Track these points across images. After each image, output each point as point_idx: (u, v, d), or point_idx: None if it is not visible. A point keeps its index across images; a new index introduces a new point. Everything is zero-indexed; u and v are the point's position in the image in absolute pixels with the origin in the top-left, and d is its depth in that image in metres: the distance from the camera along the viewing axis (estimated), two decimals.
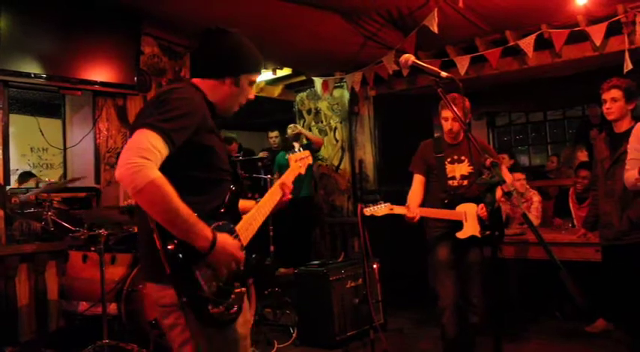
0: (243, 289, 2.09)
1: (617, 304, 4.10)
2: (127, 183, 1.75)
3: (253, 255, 2.21)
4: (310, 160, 2.86)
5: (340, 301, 4.86)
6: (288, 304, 5.60)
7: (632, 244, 3.77)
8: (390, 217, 3.86)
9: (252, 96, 2.27)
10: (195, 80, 2.17)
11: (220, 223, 2.02)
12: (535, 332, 5.04)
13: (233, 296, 2.02)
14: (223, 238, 1.92)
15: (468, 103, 3.93)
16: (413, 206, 3.88)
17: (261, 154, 7.32)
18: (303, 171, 2.77)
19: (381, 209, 3.80)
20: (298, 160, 2.77)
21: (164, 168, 1.83)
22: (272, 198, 2.42)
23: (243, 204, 2.33)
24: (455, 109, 2.58)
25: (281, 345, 4.90)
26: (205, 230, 1.86)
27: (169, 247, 1.84)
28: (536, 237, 2.13)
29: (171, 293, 1.87)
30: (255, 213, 2.28)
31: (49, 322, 4.64)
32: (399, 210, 3.81)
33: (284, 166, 6.70)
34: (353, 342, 4.86)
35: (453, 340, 3.89)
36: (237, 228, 2.12)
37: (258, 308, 5.08)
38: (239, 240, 2.08)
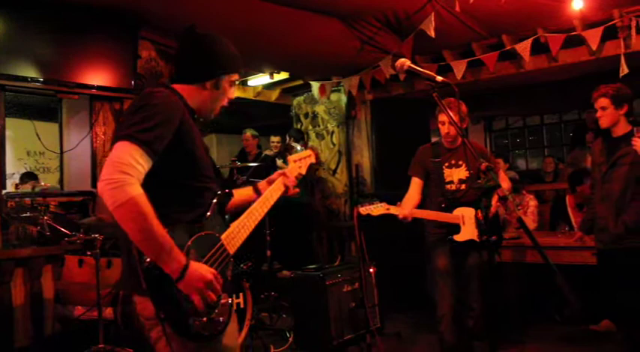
0: (229, 300, 2.04)
1: (614, 307, 4.10)
2: (107, 198, 1.75)
3: (242, 265, 2.16)
4: (313, 159, 2.73)
5: (337, 305, 4.84)
6: (285, 308, 5.59)
7: (628, 248, 3.77)
8: (387, 220, 3.86)
9: (232, 96, 2.23)
10: (175, 85, 2.13)
11: (203, 234, 1.97)
12: (533, 336, 5.04)
13: (218, 309, 1.96)
14: (195, 268, 1.85)
15: (464, 107, 3.95)
16: (405, 206, 3.90)
17: (267, 152, 7.33)
18: (303, 172, 2.65)
19: (377, 209, 3.82)
20: (297, 160, 2.65)
21: (145, 180, 1.82)
22: (266, 202, 2.34)
23: (240, 194, 2.30)
24: (450, 113, 2.58)
25: (277, 350, 4.88)
26: (178, 256, 1.81)
27: (147, 261, 1.80)
28: (532, 241, 2.13)
29: (152, 306, 1.83)
30: (246, 219, 2.21)
31: (44, 327, 4.62)
32: (395, 210, 3.83)
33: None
34: (350, 346, 4.84)
35: (450, 347, 3.88)
36: (224, 236, 2.07)
37: (254, 313, 5.07)
38: (224, 250, 2.03)
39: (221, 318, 1.98)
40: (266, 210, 2.33)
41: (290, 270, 5.54)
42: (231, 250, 2.08)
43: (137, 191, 1.76)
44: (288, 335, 5.12)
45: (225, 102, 2.22)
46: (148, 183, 1.82)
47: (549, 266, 2.09)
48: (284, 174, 2.46)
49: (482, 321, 3.87)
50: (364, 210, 3.83)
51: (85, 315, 4.14)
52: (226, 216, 2.44)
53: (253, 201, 2.33)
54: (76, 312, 4.23)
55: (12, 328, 4.42)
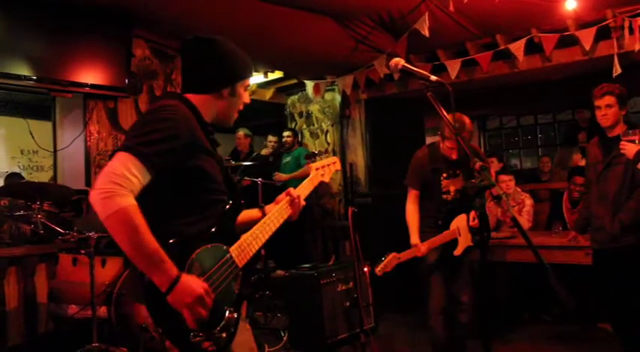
0: (234, 315, 1.97)
1: (610, 306, 4.10)
2: (98, 207, 1.72)
3: (253, 278, 2.09)
4: (338, 166, 2.58)
5: (331, 304, 4.85)
6: (279, 307, 5.58)
7: (624, 247, 3.78)
8: (380, 219, 3.85)
9: (248, 100, 2.18)
10: (189, 96, 2.05)
11: (210, 246, 1.92)
12: (525, 335, 5.06)
13: (223, 322, 1.92)
14: (188, 282, 1.79)
15: (469, 122, 3.84)
16: (413, 234, 3.94)
17: (264, 152, 7.31)
18: (327, 180, 2.53)
19: (390, 262, 3.81)
20: (320, 168, 2.51)
21: (153, 191, 1.81)
22: (280, 214, 2.27)
23: (246, 213, 2.24)
24: (445, 115, 2.55)
25: (272, 349, 4.88)
26: (169, 270, 1.76)
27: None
28: (525, 241, 2.14)
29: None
30: (258, 231, 2.14)
31: (38, 325, 4.61)
32: (407, 255, 3.85)
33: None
34: (344, 346, 4.85)
35: (442, 344, 3.89)
36: (233, 248, 2.01)
37: (249, 312, 5.07)
38: (232, 263, 1.98)
39: (224, 333, 1.92)
40: (280, 222, 2.26)
41: (284, 270, 5.54)
42: (240, 263, 2.02)
43: (127, 202, 1.72)
44: (282, 334, 5.12)
45: (241, 107, 2.18)
46: (155, 197, 1.82)
47: (542, 265, 2.10)
48: (290, 195, 2.34)
49: (474, 317, 3.88)
50: (380, 270, 3.81)
51: (79, 314, 4.12)
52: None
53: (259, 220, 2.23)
54: (69, 311, 4.21)
55: (5, 326, 4.41)
